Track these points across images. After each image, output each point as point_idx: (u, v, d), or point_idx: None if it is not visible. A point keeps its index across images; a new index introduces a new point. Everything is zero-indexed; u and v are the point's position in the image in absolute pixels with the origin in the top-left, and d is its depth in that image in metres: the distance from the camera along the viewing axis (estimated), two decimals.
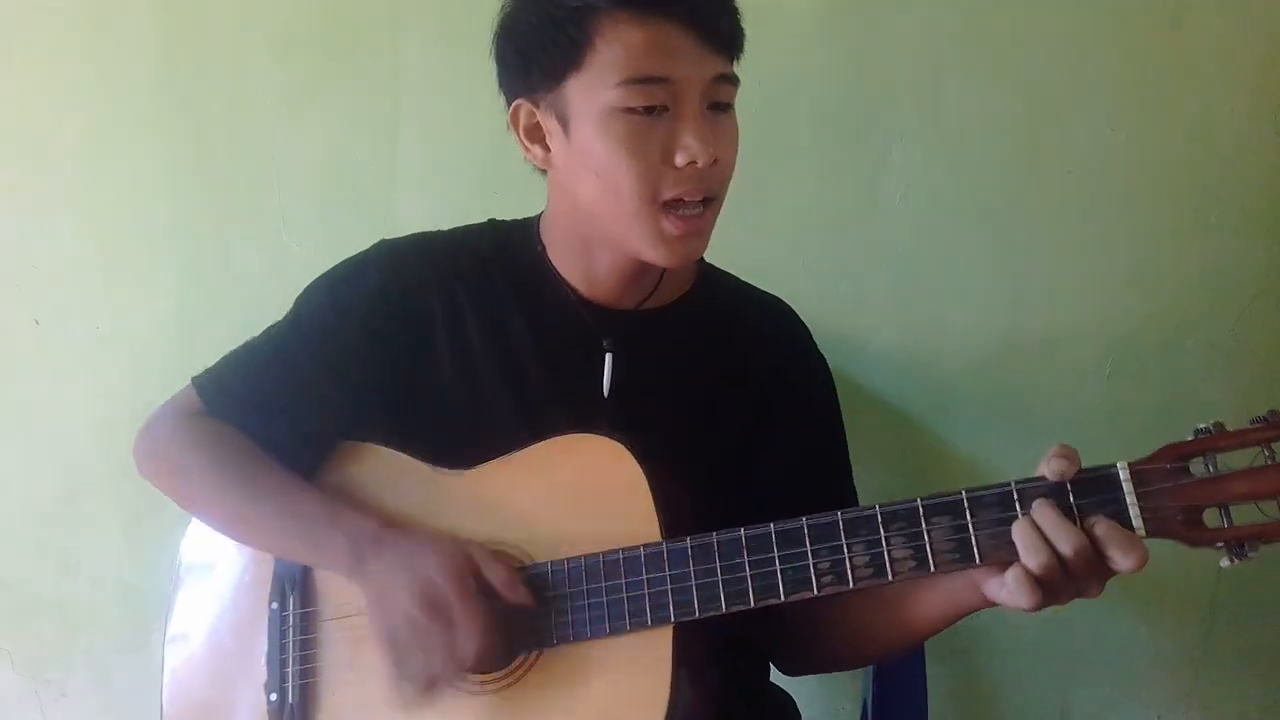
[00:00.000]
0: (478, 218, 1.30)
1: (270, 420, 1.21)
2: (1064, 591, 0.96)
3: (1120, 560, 0.93)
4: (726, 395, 1.22)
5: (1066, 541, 0.93)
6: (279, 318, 1.27)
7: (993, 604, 1.00)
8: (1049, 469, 0.96)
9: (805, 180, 1.63)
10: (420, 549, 1.06)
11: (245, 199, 1.71)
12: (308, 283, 1.27)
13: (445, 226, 1.30)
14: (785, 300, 1.32)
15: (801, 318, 1.31)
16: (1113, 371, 1.63)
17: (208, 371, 1.25)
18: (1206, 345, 1.62)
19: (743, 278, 1.32)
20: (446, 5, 1.64)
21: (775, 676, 1.32)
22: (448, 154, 1.68)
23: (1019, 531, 0.95)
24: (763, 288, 1.32)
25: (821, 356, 1.30)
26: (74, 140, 1.71)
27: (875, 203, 1.64)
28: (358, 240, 1.27)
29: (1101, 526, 0.94)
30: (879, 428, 1.63)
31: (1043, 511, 0.95)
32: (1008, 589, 0.96)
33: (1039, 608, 0.96)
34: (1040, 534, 0.94)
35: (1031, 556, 0.94)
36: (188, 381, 1.26)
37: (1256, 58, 1.58)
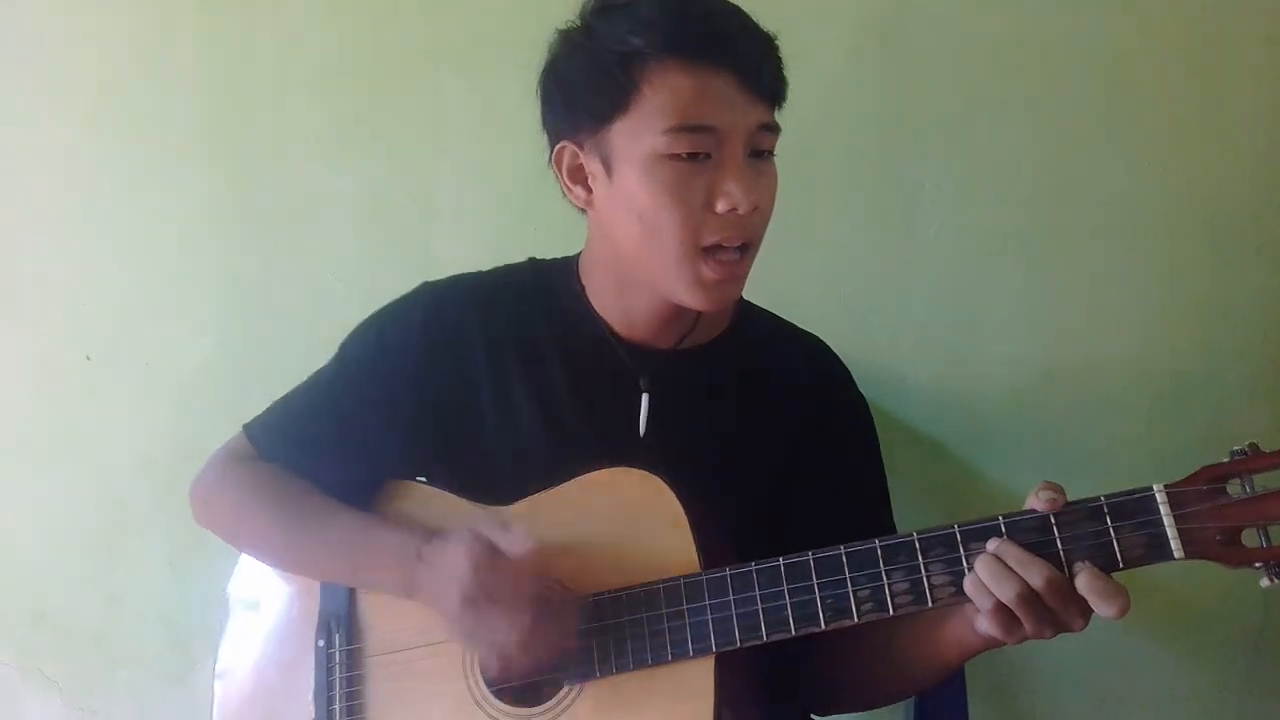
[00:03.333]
0: (515, 256, 1.32)
1: (321, 463, 1.23)
2: (1044, 625, 0.97)
3: (1102, 608, 0.94)
4: (764, 434, 1.22)
5: (1037, 574, 0.95)
6: (321, 353, 1.29)
7: (987, 644, 1.02)
8: (1039, 501, 0.97)
9: (840, 217, 1.64)
10: (454, 550, 1.07)
11: (287, 237, 1.75)
12: (348, 319, 1.29)
13: (483, 264, 1.31)
14: (821, 338, 1.32)
15: (838, 354, 1.32)
16: (1153, 403, 1.62)
17: (258, 419, 1.28)
18: (1248, 376, 1.61)
19: (778, 312, 1.33)
20: (485, 46, 1.67)
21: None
22: (485, 193, 1.70)
23: (983, 565, 0.97)
24: (798, 323, 1.32)
25: (860, 394, 1.30)
26: (121, 180, 1.75)
27: (910, 237, 1.64)
28: (398, 277, 1.29)
29: (1084, 576, 0.95)
30: (917, 461, 1.63)
31: (1007, 548, 0.96)
32: (982, 622, 0.98)
33: (1019, 640, 0.98)
34: (1006, 566, 0.96)
35: (1000, 588, 0.95)
36: (238, 429, 1.29)
37: None
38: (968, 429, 1.66)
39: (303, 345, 1.31)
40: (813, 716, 1.32)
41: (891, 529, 1.24)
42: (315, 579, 1.22)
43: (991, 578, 0.96)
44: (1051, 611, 0.96)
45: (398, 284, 1.29)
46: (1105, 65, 1.60)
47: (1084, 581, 0.95)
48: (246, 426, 1.29)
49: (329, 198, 1.73)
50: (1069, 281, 1.63)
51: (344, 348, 1.28)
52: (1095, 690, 1.66)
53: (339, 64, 1.71)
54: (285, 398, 1.28)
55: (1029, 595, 0.95)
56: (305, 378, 1.29)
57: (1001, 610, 0.96)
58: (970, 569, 0.98)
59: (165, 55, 1.73)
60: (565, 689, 1.09)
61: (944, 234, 1.64)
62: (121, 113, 1.74)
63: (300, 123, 1.72)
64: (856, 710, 1.35)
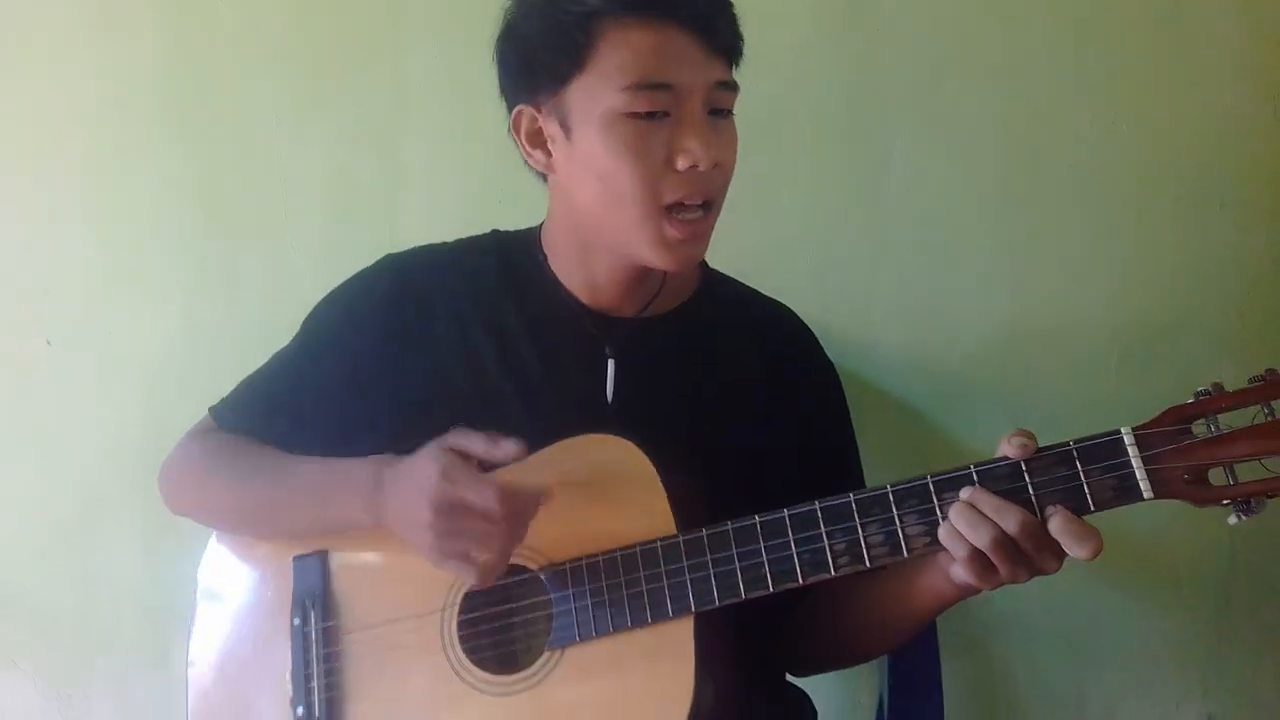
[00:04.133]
0: (481, 228, 1.32)
1: (287, 436, 1.23)
2: (1019, 568, 0.98)
3: (1075, 550, 0.96)
4: (731, 400, 1.22)
5: (1011, 519, 0.96)
6: (287, 329, 1.29)
7: (964, 592, 1.03)
8: (1011, 448, 0.98)
9: (807, 181, 1.64)
10: (409, 469, 1.06)
11: (250, 213, 1.73)
12: (313, 295, 1.28)
13: (449, 236, 1.31)
14: (787, 305, 1.33)
15: (805, 320, 1.32)
16: (1120, 360, 1.64)
17: (224, 400, 1.28)
18: (1213, 332, 1.62)
19: (747, 279, 1.33)
20: (448, 15, 1.65)
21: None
22: (450, 164, 1.69)
23: (958, 513, 0.98)
24: (769, 289, 1.33)
25: (827, 359, 1.31)
26: (79, 159, 1.73)
27: (877, 201, 1.64)
28: (362, 251, 1.29)
29: (1057, 519, 0.96)
30: (888, 424, 1.64)
31: (980, 495, 0.98)
32: (958, 569, 0.99)
33: (995, 586, 1.00)
34: (979, 513, 0.97)
35: (975, 534, 0.96)
36: (206, 410, 1.29)
37: (1257, 47, 1.58)
38: (938, 391, 1.66)
39: (269, 324, 1.30)
40: (789, 677, 1.34)
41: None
42: (287, 533, 1.21)
43: (966, 525, 0.97)
44: (1026, 555, 0.97)
45: (365, 260, 1.29)
46: (1072, 26, 1.60)
47: (1057, 525, 0.96)
48: (212, 408, 1.29)
49: (293, 174, 1.71)
50: (1037, 242, 1.64)
51: (308, 322, 1.28)
52: (1067, 644, 1.68)
53: (300, 37, 1.69)
54: (250, 377, 1.28)
55: (1003, 540, 0.96)
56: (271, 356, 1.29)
57: (977, 556, 0.97)
58: (944, 518, 0.99)
59: (124, 33, 1.70)
60: (545, 654, 1.09)
61: (912, 198, 1.64)
62: (79, 91, 1.72)
63: (262, 98, 1.70)
64: (834, 669, 1.37)
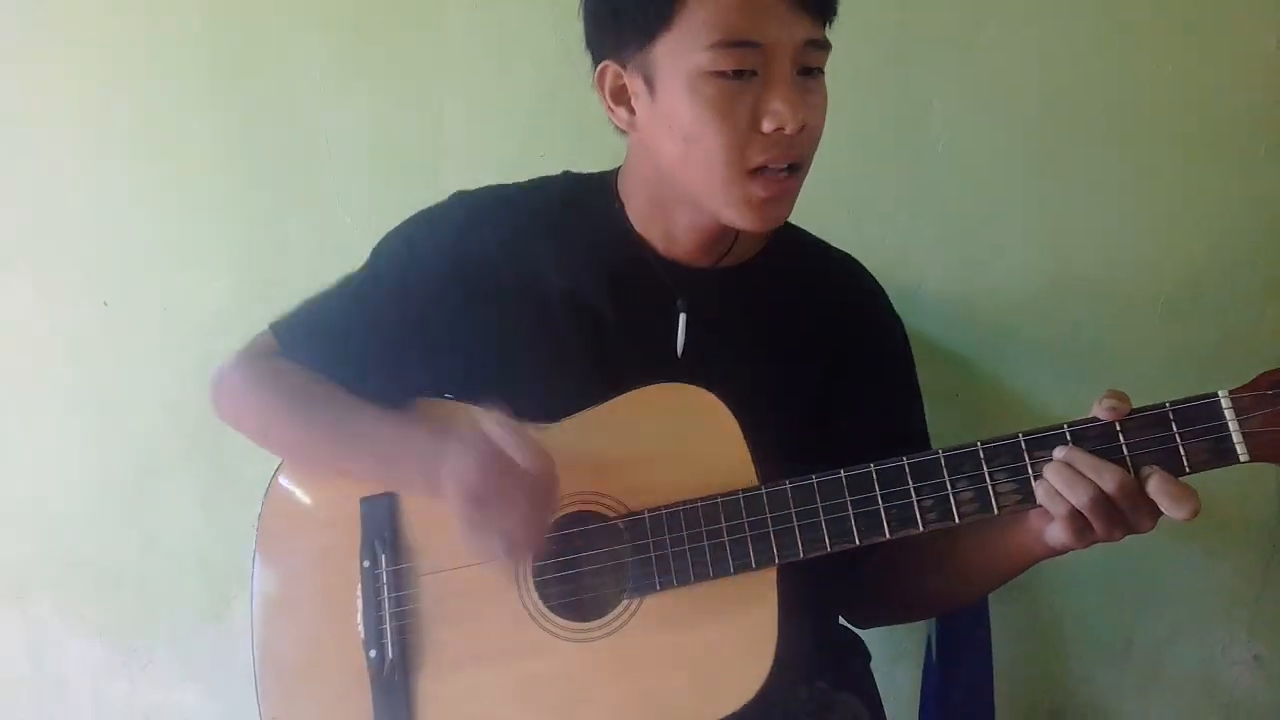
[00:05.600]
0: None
1: (346, 366, 1.21)
2: (1115, 527, 0.99)
3: (1174, 510, 0.96)
4: (802, 353, 1.22)
5: (1110, 479, 0.96)
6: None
7: (1055, 551, 1.04)
8: (1103, 409, 0.98)
9: (848, 133, 1.60)
10: (458, 442, 1.06)
11: (298, 176, 1.74)
12: (360, 252, 1.28)
13: None
14: (854, 257, 1.31)
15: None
16: (1165, 308, 1.63)
17: (284, 317, 1.26)
18: (1260, 281, 1.61)
19: None
20: None
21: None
22: (494, 121, 1.69)
23: (1055, 471, 0.98)
24: None
25: (895, 314, 1.31)
26: (128, 124, 1.75)
27: (919, 151, 1.63)
28: (408, 209, 1.28)
29: (1156, 479, 0.96)
30: (933, 372, 1.62)
31: (1077, 455, 0.98)
32: (1055, 529, 1.00)
33: (1088, 544, 1.00)
34: (1077, 472, 0.97)
35: (1074, 492, 0.97)
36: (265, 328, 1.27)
37: None
38: (981, 339, 1.66)
39: (317, 282, 1.30)
40: (843, 623, 1.35)
41: (927, 445, 1.25)
42: (343, 476, 1.20)
43: (1064, 483, 0.98)
44: (1122, 515, 0.98)
45: (407, 215, 1.28)
46: None
47: (1155, 485, 0.96)
48: (273, 325, 1.26)
49: (337, 133, 1.72)
50: (1078, 189, 1.62)
51: (375, 254, 1.26)
52: (1115, 588, 1.69)
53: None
54: (313, 298, 1.26)
55: (1101, 499, 0.97)
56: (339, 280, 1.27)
57: (1075, 516, 0.98)
58: (1038, 477, 0.99)
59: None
60: (625, 603, 1.09)
61: (952, 147, 1.63)
62: (128, 56, 1.74)
63: (306, 58, 1.71)
64: (900, 621, 1.38)
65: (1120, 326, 1.64)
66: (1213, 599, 1.69)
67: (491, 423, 1.04)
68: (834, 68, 1.59)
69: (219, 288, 1.78)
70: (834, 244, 1.33)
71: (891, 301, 1.31)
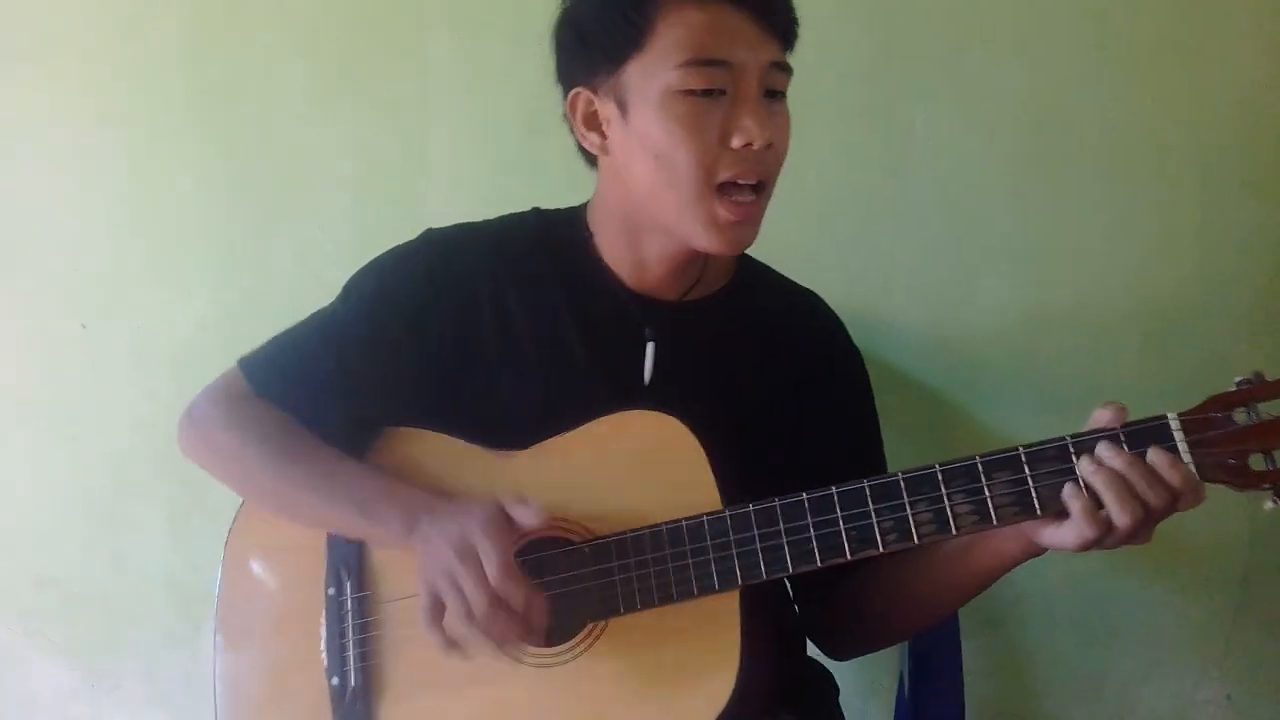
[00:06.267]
0: (506, 210, 1.31)
1: (318, 403, 1.21)
2: (1138, 533, 0.99)
3: (1191, 499, 0.97)
4: (766, 382, 1.24)
5: (1177, 479, 0.97)
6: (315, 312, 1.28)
7: (1035, 552, 1.05)
8: (1104, 417, 1.00)
9: (830, 157, 1.64)
10: (465, 509, 1.06)
11: (279, 197, 1.75)
12: (339, 278, 1.27)
13: (475, 219, 1.30)
14: (815, 291, 1.34)
15: (828, 303, 1.33)
16: (1142, 341, 1.64)
17: (254, 354, 1.25)
18: (1235, 313, 1.62)
19: (769, 257, 1.33)
20: (470, 3, 1.65)
21: (813, 653, 1.35)
22: (476, 147, 1.70)
23: (1104, 479, 0.98)
24: (791, 268, 1.34)
25: (854, 346, 1.33)
26: (111, 147, 1.76)
27: (901, 177, 1.65)
28: (389, 235, 1.28)
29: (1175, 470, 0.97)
30: (909, 403, 1.64)
31: (1157, 454, 0.98)
32: (1067, 528, 0.99)
33: (1088, 548, 1.00)
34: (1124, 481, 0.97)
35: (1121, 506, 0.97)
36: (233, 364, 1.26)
37: None
38: (959, 370, 1.67)
39: (296, 306, 1.29)
40: (812, 656, 1.35)
41: (884, 469, 1.27)
42: (310, 524, 1.19)
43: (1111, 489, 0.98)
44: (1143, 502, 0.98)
45: (390, 243, 1.28)
46: (1095, 1, 1.59)
47: (1177, 476, 0.97)
48: (242, 362, 1.25)
49: (319, 158, 1.73)
50: (1059, 220, 1.64)
51: (347, 289, 1.26)
52: (1085, 625, 1.69)
53: (325, 23, 1.70)
54: (284, 334, 1.25)
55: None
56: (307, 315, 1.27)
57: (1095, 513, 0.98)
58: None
59: (152, 19, 1.72)
60: (589, 626, 1.09)
61: (934, 174, 1.64)
62: (109, 79, 1.74)
63: (288, 83, 1.72)
64: (875, 647, 1.35)
65: (1096, 358, 1.65)
66: (1185, 638, 1.69)
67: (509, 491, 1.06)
68: (817, 92, 1.61)
69: (196, 311, 1.77)
70: (813, 271, 1.35)
71: (849, 328, 1.33)
